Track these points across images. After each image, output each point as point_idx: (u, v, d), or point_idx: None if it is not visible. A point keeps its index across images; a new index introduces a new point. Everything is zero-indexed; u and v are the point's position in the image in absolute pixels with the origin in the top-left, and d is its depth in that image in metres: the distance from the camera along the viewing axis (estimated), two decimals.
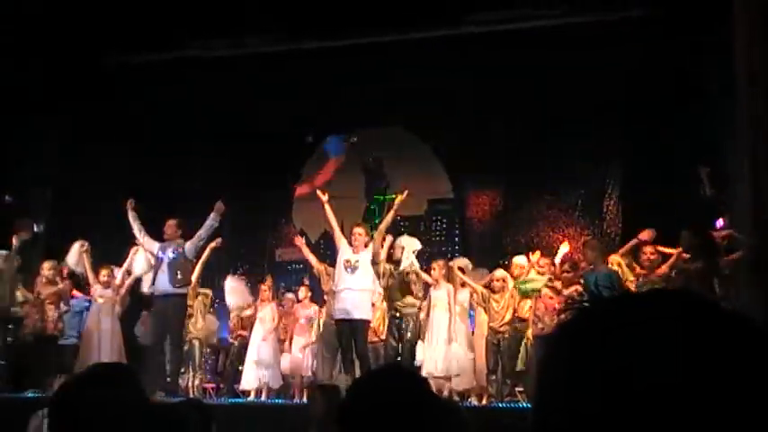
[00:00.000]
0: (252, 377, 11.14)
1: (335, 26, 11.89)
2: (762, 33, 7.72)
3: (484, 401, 10.33)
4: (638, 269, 9.76)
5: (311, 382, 10.68)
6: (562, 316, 9.17)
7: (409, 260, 10.69)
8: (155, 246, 10.55)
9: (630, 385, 0.79)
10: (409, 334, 10.61)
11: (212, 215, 10.46)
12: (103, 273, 11.05)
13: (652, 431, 0.78)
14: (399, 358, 10.60)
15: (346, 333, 10.10)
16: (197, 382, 11.41)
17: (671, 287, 8.61)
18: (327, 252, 13.79)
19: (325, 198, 10.58)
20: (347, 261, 10.13)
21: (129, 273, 11.07)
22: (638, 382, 0.79)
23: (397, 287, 10.69)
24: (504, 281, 10.80)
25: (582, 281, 9.66)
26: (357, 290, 10.02)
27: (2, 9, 10.57)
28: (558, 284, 9.95)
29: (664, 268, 9.32)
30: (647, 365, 0.80)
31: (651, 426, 0.78)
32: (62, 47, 11.72)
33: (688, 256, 9.21)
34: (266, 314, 11.62)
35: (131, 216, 10.55)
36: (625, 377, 0.80)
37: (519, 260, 10.85)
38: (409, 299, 10.67)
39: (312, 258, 11.35)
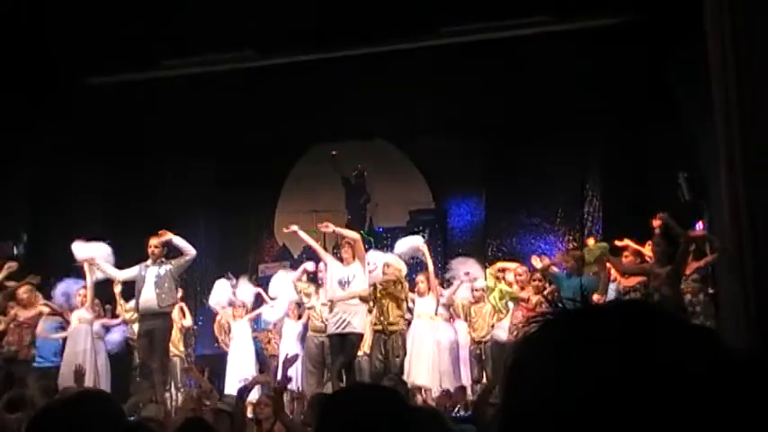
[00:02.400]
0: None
1: (316, 39, 11.89)
2: (732, 35, 7.83)
3: (463, 412, 10.20)
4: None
5: (300, 395, 10.66)
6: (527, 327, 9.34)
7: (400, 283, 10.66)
8: (133, 270, 10.47)
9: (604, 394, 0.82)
10: (399, 351, 10.53)
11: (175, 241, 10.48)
12: (80, 293, 10.99)
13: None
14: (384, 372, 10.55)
15: (338, 347, 10.18)
16: (180, 399, 11.30)
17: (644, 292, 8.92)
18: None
19: (293, 228, 11.07)
20: (340, 277, 10.22)
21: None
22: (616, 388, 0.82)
23: (387, 305, 10.55)
24: (483, 291, 10.92)
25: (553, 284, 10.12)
26: (351, 304, 10.12)
27: None
28: (530, 291, 10.17)
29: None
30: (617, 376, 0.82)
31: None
32: (44, 68, 11.73)
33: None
34: (244, 330, 11.71)
35: (98, 269, 10.55)
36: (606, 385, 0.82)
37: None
38: (396, 314, 10.54)
39: (317, 247, 11.17)
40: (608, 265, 10.14)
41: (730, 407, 0.82)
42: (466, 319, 11.13)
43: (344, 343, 10.13)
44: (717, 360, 0.85)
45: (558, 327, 0.92)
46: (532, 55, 11.98)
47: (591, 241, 11.04)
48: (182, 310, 11.83)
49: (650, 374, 0.82)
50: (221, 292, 12.03)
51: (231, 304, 11.99)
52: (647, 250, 9.86)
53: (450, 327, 11.19)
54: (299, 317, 11.83)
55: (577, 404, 0.83)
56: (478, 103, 13.32)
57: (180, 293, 11.16)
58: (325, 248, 11.73)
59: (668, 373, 0.82)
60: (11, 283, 10.91)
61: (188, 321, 12.13)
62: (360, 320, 10.19)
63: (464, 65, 12.49)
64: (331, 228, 10.83)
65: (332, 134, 14.74)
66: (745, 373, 0.85)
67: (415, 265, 11.61)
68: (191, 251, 10.39)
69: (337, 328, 10.13)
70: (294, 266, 14.06)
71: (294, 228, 11.10)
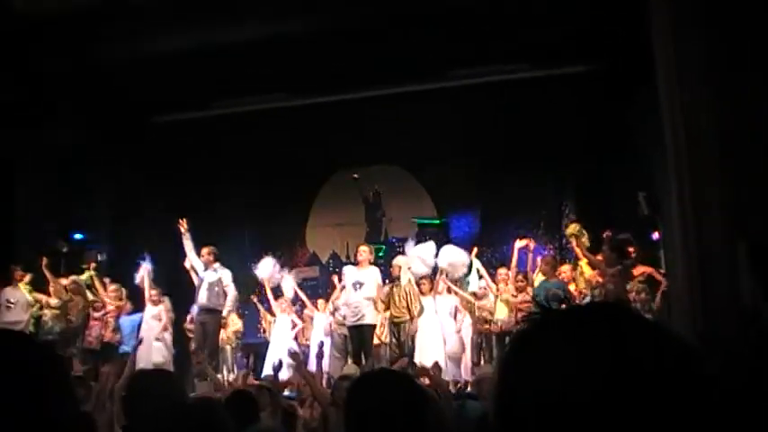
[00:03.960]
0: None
1: (341, 83, 12.17)
2: (677, 80, 8.17)
3: (469, 389, 10.39)
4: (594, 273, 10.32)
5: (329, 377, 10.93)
6: (519, 325, 9.62)
7: (407, 276, 10.89)
8: (201, 266, 10.82)
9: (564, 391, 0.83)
10: (405, 338, 10.78)
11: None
12: (153, 293, 11.43)
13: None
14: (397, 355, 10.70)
15: (356, 336, 10.51)
16: (231, 378, 11.59)
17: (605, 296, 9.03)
18: (336, 270, 14.08)
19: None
20: (354, 280, 10.54)
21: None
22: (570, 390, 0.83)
23: (396, 300, 10.83)
24: (485, 289, 11.14)
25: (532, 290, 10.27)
26: (365, 302, 10.44)
27: (68, 83, 10.96)
28: (512, 290, 10.48)
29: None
30: (577, 377, 0.83)
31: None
32: (116, 110, 12.14)
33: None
34: (285, 322, 11.97)
35: (185, 236, 10.83)
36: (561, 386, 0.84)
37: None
38: (405, 310, 10.79)
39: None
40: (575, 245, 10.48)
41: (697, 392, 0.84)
42: (471, 313, 11.17)
43: (361, 332, 10.43)
44: (683, 357, 0.86)
45: (551, 329, 0.90)
46: (522, 95, 12.16)
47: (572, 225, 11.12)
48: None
49: (636, 374, 0.82)
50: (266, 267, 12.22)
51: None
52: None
53: (452, 320, 11.25)
54: (327, 311, 12.03)
55: (576, 401, 0.82)
56: (476, 136, 13.47)
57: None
58: (347, 256, 11.81)
59: (649, 372, 0.82)
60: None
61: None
62: (371, 314, 10.45)
63: (465, 104, 12.68)
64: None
65: (354, 160, 14.89)
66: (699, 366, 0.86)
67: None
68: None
69: (354, 320, 10.45)
70: (322, 271, 14.29)
71: None
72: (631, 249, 9.69)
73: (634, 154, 11.45)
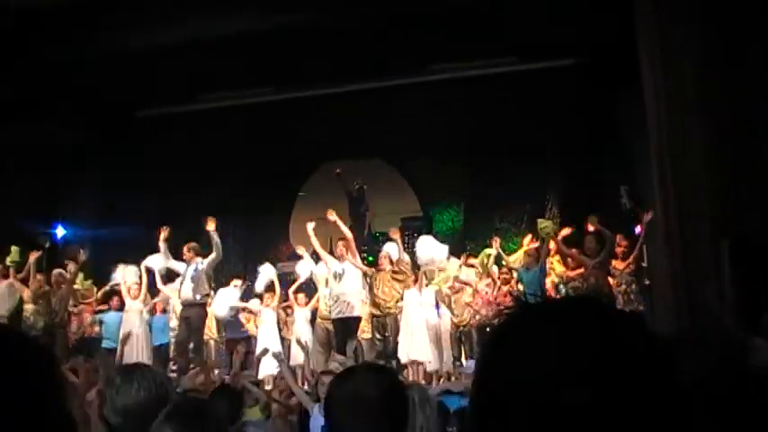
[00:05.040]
0: (266, 368, 10.81)
1: (324, 79, 12.19)
2: (662, 76, 8.17)
3: (453, 380, 10.45)
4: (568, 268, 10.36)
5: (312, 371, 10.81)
6: (497, 319, 9.70)
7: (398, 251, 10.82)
8: (181, 266, 10.79)
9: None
10: (390, 331, 10.69)
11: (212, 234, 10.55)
12: (133, 288, 11.33)
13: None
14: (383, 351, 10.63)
15: (341, 329, 10.43)
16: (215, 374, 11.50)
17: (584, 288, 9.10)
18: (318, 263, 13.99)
19: (333, 218, 10.88)
20: (334, 270, 10.50)
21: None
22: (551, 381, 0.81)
23: (379, 288, 10.68)
24: (462, 283, 11.08)
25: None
26: (347, 293, 10.38)
27: (55, 79, 10.88)
28: (497, 281, 10.53)
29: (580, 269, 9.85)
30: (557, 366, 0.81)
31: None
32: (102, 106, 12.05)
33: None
34: (271, 317, 11.81)
35: (163, 245, 10.79)
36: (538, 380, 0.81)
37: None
38: (390, 299, 10.67)
39: (320, 250, 11.14)
40: (551, 243, 10.43)
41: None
42: (448, 307, 11.13)
43: (346, 325, 10.36)
44: (663, 354, 0.84)
45: (530, 317, 0.88)
46: (507, 88, 12.22)
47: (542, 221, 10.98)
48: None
49: (628, 354, 0.81)
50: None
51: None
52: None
53: (435, 312, 11.13)
54: (307, 303, 11.89)
55: (561, 383, 0.79)
56: (459, 129, 13.49)
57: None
58: (330, 251, 11.78)
59: (641, 356, 0.82)
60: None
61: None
62: (356, 306, 10.41)
63: (448, 98, 12.69)
64: (334, 217, 10.87)
65: (337, 155, 14.88)
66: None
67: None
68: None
69: (339, 314, 10.37)
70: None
71: (310, 226, 11.03)
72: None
73: (622, 146, 11.55)
